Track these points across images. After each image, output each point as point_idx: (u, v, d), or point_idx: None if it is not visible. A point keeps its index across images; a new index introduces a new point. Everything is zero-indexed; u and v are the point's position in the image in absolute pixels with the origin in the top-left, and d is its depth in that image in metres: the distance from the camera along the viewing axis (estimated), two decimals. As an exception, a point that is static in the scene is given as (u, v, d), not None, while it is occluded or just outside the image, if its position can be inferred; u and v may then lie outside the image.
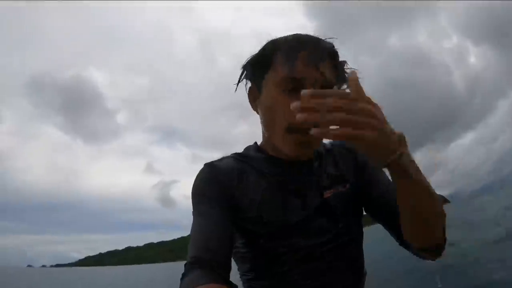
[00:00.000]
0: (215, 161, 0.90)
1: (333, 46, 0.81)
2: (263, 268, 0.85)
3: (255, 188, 0.85)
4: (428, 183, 0.71)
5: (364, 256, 0.94)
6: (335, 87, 0.78)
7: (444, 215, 0.78)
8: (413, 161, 0.67)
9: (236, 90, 0.89)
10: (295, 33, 0.81)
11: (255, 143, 0.94)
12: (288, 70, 0.76)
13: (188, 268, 0.72)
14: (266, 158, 0.88)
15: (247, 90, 0.89)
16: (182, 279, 0.71)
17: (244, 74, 0.88)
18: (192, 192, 0.86)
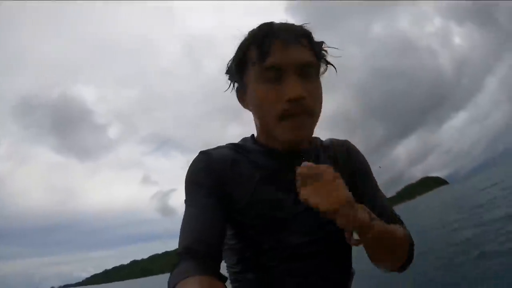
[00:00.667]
0: (210, 149, 0.88)
1: (305, 27, 0.81)
2: (250, 261, 0.84)
3: (248, 179, 0.83)
4: (384, 226, 0.79)
5: (353, 255, 0.94)
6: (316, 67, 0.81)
7: (407, 241, 0.87)
8: (369, 225, 0.74)
9: (225, 91, 0.90)
10: (263, 22, 0.80)
11: (252, 135, 0.93)
12: (265, 59, 0.76)
13: (179, 258, 0.71)
14: (261, 150, 0.87)
15: (236, 94, 0.90)
16: (173, 269, 0.70)
17: (229, 78, 0.89)
18: (186, 180, 0.84)
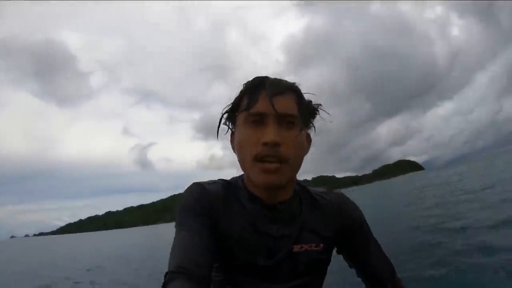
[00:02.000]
0: (205, 183, 0.93)
1: (295, 84, 0.90)
2: None
3: (235, 221, 0.90)
4: None
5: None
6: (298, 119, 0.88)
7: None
8: None
9: (217, 137, 0.95)
10: (257, 76, 0.90)
11: (242, 175, 0.97)
12: (251, 107, 0.85)
13: (171, 276, 0.75)
14: (248, 195, 0.93)
15: (230, 137, 0.96)
16: (164, 287, 0.74)
17: (221, 120, 0.95)
18: (181, 206, 0.89)
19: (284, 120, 0.85)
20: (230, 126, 0.96)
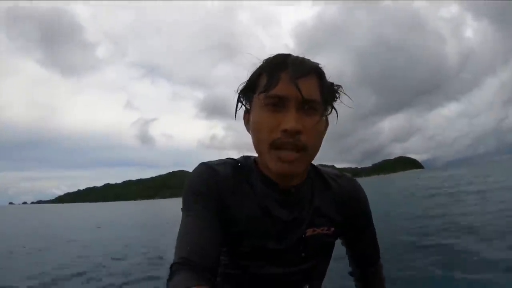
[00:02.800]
0: (214, 164, 0.89)
1: (318, 66, 0.83)
2: (231, 279, 0.91)
3: (245, 204, 0.86)
4: None
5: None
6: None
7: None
8: None
9: (235, 118, 0.91)
10: (279, 53, 0.83)
11: (254, 158, 0.94)
12: (271, 88, 0.78)
13: (176, 268, 0.72)
14: (258, 176, 0.89)
15: (243, 116, 0.91)
16: (169, 279, 0.71)
17: (238, 99, 0.90)
18: (187, 189, 0.85)
19: (306, 105, 0.79)
20: (245, 104, 0.90)
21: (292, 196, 0.89)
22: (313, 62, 0.83)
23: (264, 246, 0.87)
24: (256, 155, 0.89)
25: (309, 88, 0.79)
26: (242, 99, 0.90)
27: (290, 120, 0.77)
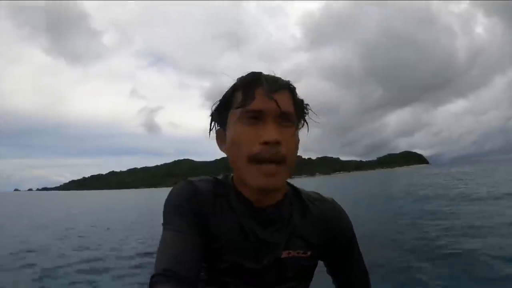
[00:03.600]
0: (195, 180, 0.90)
1: (290, 82, 0.85)
2: None
3: (224, 222, 0.86)
4: None
5: None
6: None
7: None
8: None
9: (209, 135, 0.92)
10: (252, 71, 0.85)
11: (231, 174, 0.93)
12: (248, 103, 0.79)
13: (157, 279, 0.72)
14: (236, 195, 0.89)
15: (215, 135, 0.92)
16: None
17: (212, 119, 0.91)
18: (168, 205, 0.86)
19: (282, 118, 0.82)
20: (217, 124, 0.92)
21: (269, 216, 0.89)
22: (285, 80, 0.86)
23: (241, 265, 0.86)
24: None
25: (284, 102, 0.81)
26: (215, 118, 0.91)
27: (270, 132, 0.78)
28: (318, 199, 0.98)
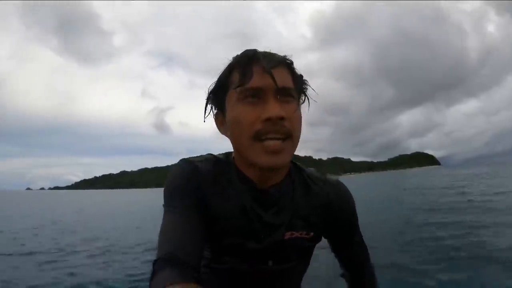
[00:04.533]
0: (195, 160, 0.88)
1: (287, 57, 0.83)
2: (214, 275, 0.90)
3: (225, 203, 0.85)
4: None
5: None
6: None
7: None
8: None
9: (204, 120, 0.90)
10: (247, 49, 0.83)
11: (231, 152, 0.91)
12: (246, 81, 0.77)
13: (160, 264, 0.71)
14: (238, 175, 0.87)
15: (214, 118, 0.90)
16: (153, 276, 0.70)
17: (208, 103, 0.89)
18: (168, 185, 0.84)
19: (282, 94, 0.79)
20: (215, 107, 0.89)
21: (271, 197, 0.87)
22: (281, 55, 0.83)
23: (242, 245, 0.86)
24: None
25: (283, 77, 0.79)
26: (213, 101, 0.89)
27: (272, 108, 0.76)
28: (321, 179, 0.96)
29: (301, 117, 0.84)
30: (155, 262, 0.72)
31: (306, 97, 0.88)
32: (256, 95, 0.78)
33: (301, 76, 0.87)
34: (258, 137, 0.77)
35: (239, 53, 0.83)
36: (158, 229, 0.76)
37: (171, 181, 0.85)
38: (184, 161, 0.87)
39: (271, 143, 0.77)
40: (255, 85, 0.78)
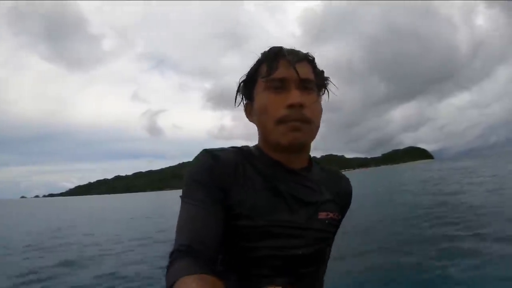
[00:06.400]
0: (216, 150, 0.90)
1: (309, 54, 0.93)
2: (235, 266, 0.85)
3: (251, 186, 0.87)
4: None
5: None
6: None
7: None
8: None
9: (235, 106, 0.99)
10: (274, 46, 0.93)
11: (256, 145, 0.97)
12: (272, 72, 0.88)
13: (177, 255, 0.72)
14: (264, 159, 0.92)
15: (244, 107, 0.98)
16: (169, 266, 0.71)
17: (238, 93, 0.97)
18: (188, 177, 0.85)
19: (304, 85, 0.88)
20: (244, 96, 0.97)
21: (301, 177, 0.92)
22: (305, 52, 0.94)
23: (277, 222, 0.85)
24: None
25: (305, 71, 0.89)
26: (243, 91, 0.97)
27: (294, 96, 0.86)
28: (336, 171, 1.06)
29: (321, 109, 0.94)
30: (171, 253, 0.74)
31: (326, 91, 0.97)
32: (281, 86, 0.88)
33: (322, 71, 0.96)
34: (282, 121, 0.86)
35: (266, 49, 0.93)
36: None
37: (191, 172, 0.86)
38: (205, 152, 0.89)
39: (292, 124, 0.86)
40: (280, 76, 0.87)
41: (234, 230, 0.84)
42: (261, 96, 0.90)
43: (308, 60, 0.93)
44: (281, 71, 0.88)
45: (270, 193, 0.87)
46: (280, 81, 0.88)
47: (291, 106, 0.85)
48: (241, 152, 0.93)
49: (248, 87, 0.95)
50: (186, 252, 0.73)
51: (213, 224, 0.79)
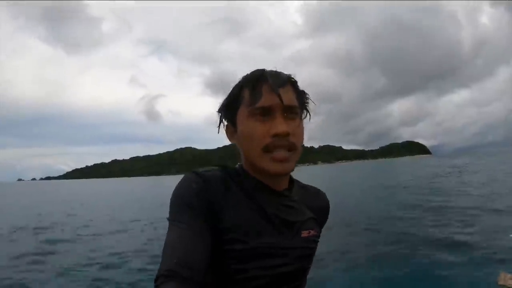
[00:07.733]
0: (203, 171, 0.90)
1: (291, 76, 0.92)
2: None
3: (239, 207, 0.87)
4: None
5: None
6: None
7: None
8: None
9: (218, 132, 0.99)
10: (256, 69, 0.93)
11: (241, 165, 0.97)
12: (256, 101, 0.87)
13: (162, 281, 0.71)
14: (254, 182, 0.92)
15: (224, 128, 0.98)
16: None
17: (220, 117, 0.98)
18: (175, 199, 0.85)
19: (288, 111, 0.89)
20: (225, 120, 0.98)
21: (286, 198, 0.95)
22: (286, 74, 0.92)
23: (265, 244, 0.87)
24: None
25: (289, 96, 0.89)
26: (225, 115, 0.98)
27: (279, 125, 0.86)
28: (314, 188, 1.09)
29: (303, 130, 0.94)
30: (157, 279, 0.73)
31: (307, 112, 0.98)
32: (265, 113, 0.88)
33: (303, 92, 0.96)
34: (267, 149, 0.87)
35: (248, 73, 0.93)
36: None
37: (177, 194, 0.85)
38: (193, 174, 0.89)
39: (279, 154, 0.86)
40: (264, 105, 0.87)
41: (223, 252, 0.84)
42: (245, 123, 0.90)
43: (291, 83, 0.92)
44: (265, 99, 0.87)
45: (258, 215, 0.89)
46: (265, 109, 0.88)
47: (276, 135, 0.86)
48: (227, 173, 0.94)
49: (230, 111, 0.95)
50: (172, 277, 0.72)
51: (201, 247, 0.78)
